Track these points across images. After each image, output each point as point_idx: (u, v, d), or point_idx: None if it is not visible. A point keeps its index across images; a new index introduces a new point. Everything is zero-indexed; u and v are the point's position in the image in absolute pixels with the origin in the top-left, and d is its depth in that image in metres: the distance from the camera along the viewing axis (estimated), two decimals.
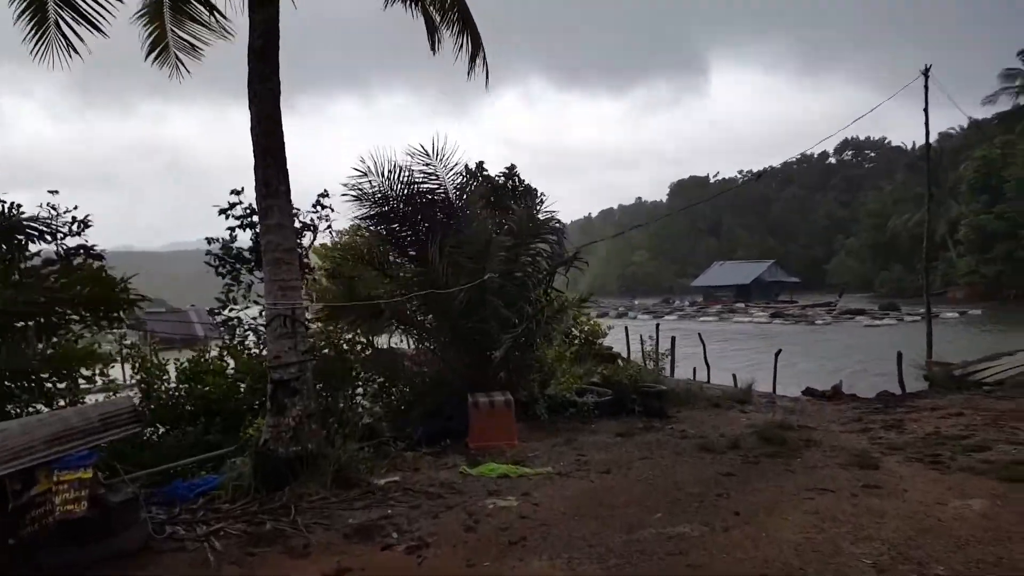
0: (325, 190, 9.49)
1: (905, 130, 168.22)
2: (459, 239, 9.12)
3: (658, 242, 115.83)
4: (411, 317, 9.82)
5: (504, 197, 11.14)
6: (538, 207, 11.93)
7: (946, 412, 9.38)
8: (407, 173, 9.34)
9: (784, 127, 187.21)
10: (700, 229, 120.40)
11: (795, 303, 61.76)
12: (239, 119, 6.91)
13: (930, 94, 18.62)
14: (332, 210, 9.43)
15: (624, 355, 23.19)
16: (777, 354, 19.59)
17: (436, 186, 9.46)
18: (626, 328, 24.92)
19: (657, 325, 24.40)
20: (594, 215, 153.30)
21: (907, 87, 18.21)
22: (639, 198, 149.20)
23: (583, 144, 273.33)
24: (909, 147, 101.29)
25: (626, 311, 62.92)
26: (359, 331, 9.71)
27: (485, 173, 11.78)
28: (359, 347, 10.03)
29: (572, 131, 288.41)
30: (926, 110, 18.64)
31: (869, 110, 26.98)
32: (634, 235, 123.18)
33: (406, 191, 9.34)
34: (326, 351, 9.06)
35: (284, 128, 6.78)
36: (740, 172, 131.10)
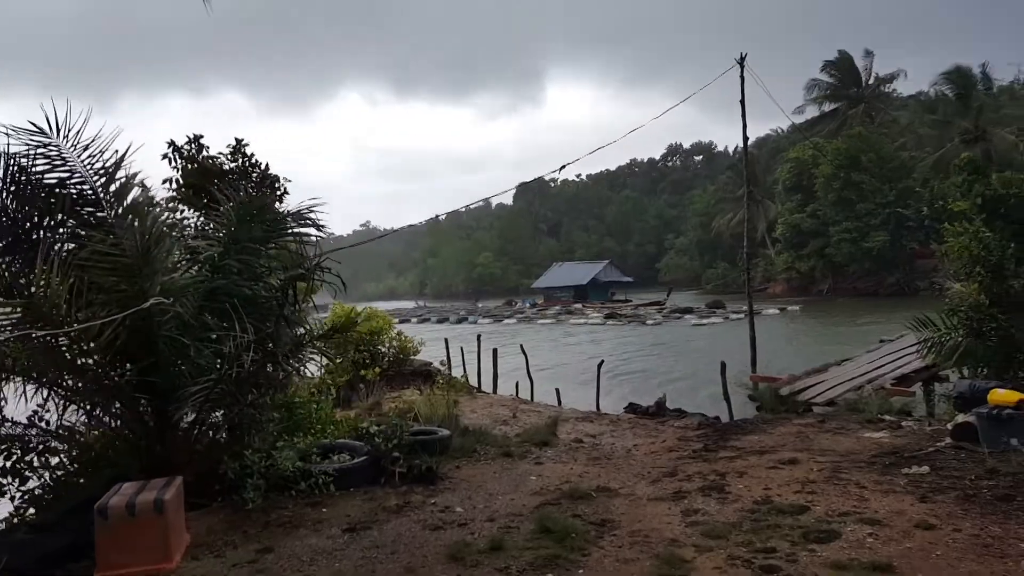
0: None
1: (728, 138, 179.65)
2: (102, 249, 5.96)
3: (502, 244, 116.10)
4: (42, 364, 6.52)
5: (221, 184, 8.06)
6: (278, 197, 9.06)
7: (777, 457, 7.48)
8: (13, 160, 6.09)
9: (615, 135, 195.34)
10: (541, 230, 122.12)
11: (629, 302, 62.34)
12: None
13: (748, 105, 17.76)
14: None
15: (445, 370, 20.81)
16: (599, 365, 17.90)
17: (66, 175, 6.23)
18: (446, 340, 22.47)
19: (478, 337, 22.04)
20: (442, 217, 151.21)
21: (724, 75, 17.08)
22: (487, 199, 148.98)
23: (430, 148, 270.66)
24: (732, 151, 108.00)
25: (466, 315, 60.79)
26: None
27: (198, 151, 8.67)
28: None
29: (418, 136, 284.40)
30: (742, 101, 17.59)
31: (679, 101, 26.54)
32: (481, 237, 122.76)
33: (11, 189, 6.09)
34: None
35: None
36: (578, 176, 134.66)
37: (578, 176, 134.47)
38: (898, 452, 7.22)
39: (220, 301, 6.81)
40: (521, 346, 20.40)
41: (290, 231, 7.51)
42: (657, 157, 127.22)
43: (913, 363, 11.99)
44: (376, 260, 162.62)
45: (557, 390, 18.81)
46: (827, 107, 69.38)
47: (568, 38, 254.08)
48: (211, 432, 7.20)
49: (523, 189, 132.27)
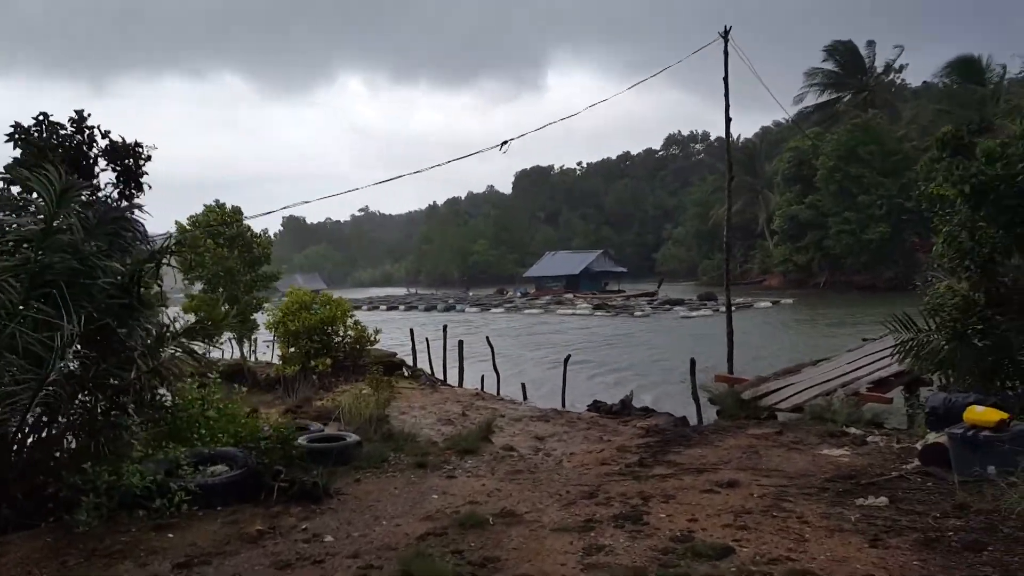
0: None
1: (733, 127, 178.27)
2: None
3: (498, 231, 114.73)
4: None
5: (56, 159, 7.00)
6: (140, 166, 8.02)
7: (716, 478, 6.39)
8: None
9: (615, 123, 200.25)
10: (539, 218, 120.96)
11: (622, 292, 61.17)
12: None
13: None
14: None
15: (410, 362, 19.77)
16: (566, 360, 16.82)
17: None
18: (411, 330, 21.42)
19: (444, 328, 21.02)
20: (440, 203, 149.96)
21: (707, 47, 15.96)
22: (491, 186, 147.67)
23: (429, 134, 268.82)
24: (736, 140, 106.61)
25: (455, 303, 59.69)
26: None
27: (49, 132, 7.65)
28: None
29: (419, 121, 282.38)
30: (725, 79, 16.38)
31: (650, 76, 25.46)
32: (477, 224, 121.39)
33: None
34: None
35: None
36: (579, 164, 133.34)
37: (579, 164, 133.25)
38: (856, 476, 6.12)
39: (50, 287, 5.75)
40: (487, 338, 19.30)
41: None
42: (658, 146, 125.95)
43: (894, 366, 10.89)
44: (375, 246, 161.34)
45: (523, 385, 17.82)
46: (828, 96, 67.85)
47: (571, 25, 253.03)
48: (47, 442, 6.12)
49: (521, 176, 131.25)
